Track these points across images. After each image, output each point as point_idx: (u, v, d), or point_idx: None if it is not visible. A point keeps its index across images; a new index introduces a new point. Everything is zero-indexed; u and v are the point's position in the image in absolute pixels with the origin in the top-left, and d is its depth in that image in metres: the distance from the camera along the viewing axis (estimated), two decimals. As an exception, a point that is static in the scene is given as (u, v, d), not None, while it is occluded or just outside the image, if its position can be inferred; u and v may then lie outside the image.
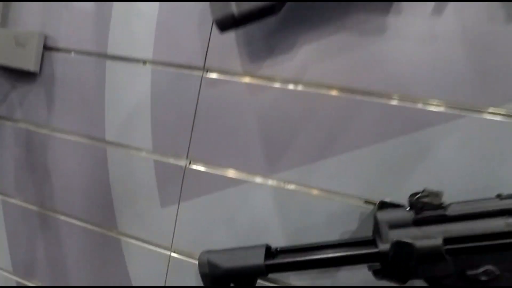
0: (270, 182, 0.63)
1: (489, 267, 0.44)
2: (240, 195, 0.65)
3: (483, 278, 0.44)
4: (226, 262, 0.52)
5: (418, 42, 0.57)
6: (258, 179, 0.64)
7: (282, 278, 0.63)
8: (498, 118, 0.54)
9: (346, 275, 0.60)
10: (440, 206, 0.46)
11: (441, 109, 0.56)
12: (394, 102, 0.58)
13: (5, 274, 0.85)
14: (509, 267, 0.44)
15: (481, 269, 0.44)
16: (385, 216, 0.48)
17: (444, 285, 0.46)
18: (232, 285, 0.54)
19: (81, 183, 0.77)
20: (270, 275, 0.62)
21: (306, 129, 0.62)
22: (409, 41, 0.57)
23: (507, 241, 0.43)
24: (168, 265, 0.70)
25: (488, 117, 0.55)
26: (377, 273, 0.48)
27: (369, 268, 0.49)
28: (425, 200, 0.46)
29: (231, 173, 0.66)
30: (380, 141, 0.58)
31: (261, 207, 0.64)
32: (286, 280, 0.63)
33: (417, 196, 0.47)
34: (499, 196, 0.45)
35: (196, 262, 0.67)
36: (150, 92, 0.71)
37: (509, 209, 0.44)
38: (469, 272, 0.44)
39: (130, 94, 0.73)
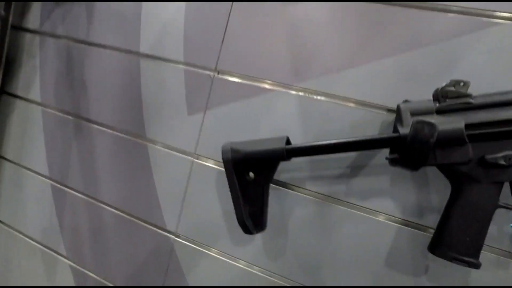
0: (295, 90, 0.65)
1: (509, 152, 0.44)
2: (264, 103, 0.67)
3: (502, 162, 0.44)
4: (249, 148, 0.55)
5: None
6: (283, 88, 0.66)
7: (298, 183, 0.65)
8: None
9: (361, 181, 0.61)
10: (465, 95, 0.46)
11: (469, 18, 0.55)
12: (422, 11, 0.58)
13: (42, 178, 0.92)
14: (527, 154, 0.44)
15: (501, 154, 0.44)
16: (408, 105, 0.49)
17: (460, 172, 0.47)
18: (252, 174, 0.57)
19: (115, 94, 0.82)
20: (287, 181, 0.66)
21: (333, 38, 0.63)
22: None
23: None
24: (190, 170, 0.74)
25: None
26: (394, 162, 0.49)
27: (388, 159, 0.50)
28: (450, 88, 0.47)
29: (256, 81, 0.68)
30: (407, 51, 0.58)
31: (284, 115, 0.66)
32: (302, 184, 0.65)
33: (443, 85, 0.47)
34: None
35: (218, 168, 0.71)
36: (185, 5, 0.74)
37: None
38: (489, 156, 0.45)
39: (165, 6, 0.76)
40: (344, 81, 0.62)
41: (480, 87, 0.51)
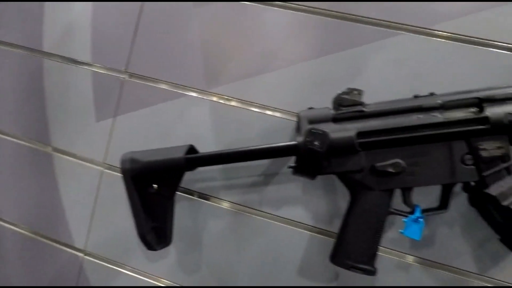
0: (209, 96, 0.63)
1: (397, 160, 0.45)
2: (177, 108, 0.64)
3: (391, 170, 0.45)
4: (148, 157, 0.51)
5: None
6: (196, 93, 0.63)
7: (212, 193, 0.62)
8: (432, 37, 0.56)
9: (274, 189, 0.60)
10: (358, 103, 0.46)
11: (378, 27, 0.57)
12: (333, 19, 0.58)
13: None
14: (415, 161, 0.45)
15: (389, 162, 0.45)
16: (307, 113, 0.48)
17: (355, 180, 0.47)
18: (155, 186, 0.53)
19: (15, 98, 0.73)
20: (200, 191, 0.63)
21: (247, 43, 0.61)
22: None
23: (415, 134, 0.44)
24: (100, 181, 0.68)
25: (422, 36, 0.56)
26: (294, 170, 0.48)
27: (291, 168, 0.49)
28: (345, 96, 0.47)
29: (169, 86, 0.64)
30: (317, 57, 0.59)
31: (198, 122, 0.63)
32: (216, 194, 0.62)
33: (338, 93, 0.47)
34: (416, 96, 0.47)
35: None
36: (92, 3, 0.68)
37: (421, 106, 0.45)
38: (378, 164, 0.45)
39: (69, 3, 0.69)
40: (257, 87, 0.61)
41: (383, 93, 0.53)
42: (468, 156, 0.44)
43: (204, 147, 0.61)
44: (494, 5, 0.54)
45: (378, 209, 0.46)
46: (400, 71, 0.56)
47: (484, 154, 0.43)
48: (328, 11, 0.58)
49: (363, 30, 0.57)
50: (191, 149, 0.53)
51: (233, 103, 0.61)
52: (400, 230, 0.46)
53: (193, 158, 0.51)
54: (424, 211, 0.47)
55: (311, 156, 0.45)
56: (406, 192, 0.47)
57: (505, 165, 0.43)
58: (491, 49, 0.54)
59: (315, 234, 0.59)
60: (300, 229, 0.59)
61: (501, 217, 0.43)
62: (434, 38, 0.55)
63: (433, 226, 0.55)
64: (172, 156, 0.50)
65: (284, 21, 0.60)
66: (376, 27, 0.57)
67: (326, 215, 0.58)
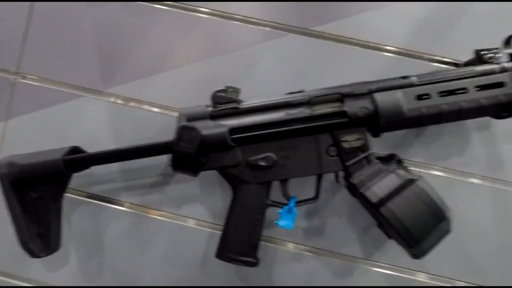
0: (105, 96, 0.61)
1: (269, 154, 0.47)
2: (73, 110, 0.62)
3: (262, 163, 0.47)
4: (26, 160, 0.49)
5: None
6: (93, 94, 0.62)
7: (112, 195, 0.61)
8: (313, 38, 0.59)
9: (173, 188, 0.60)
10: (235, 100, 0.48)
11: (264, 28, 0.59)
12: (223, 20, 0.60)
13: None
14: (286, 155, 0.47)
15: (261, 156, 0.47)
16: (185, 111, 0.49)
17: (232, 175, 0.48)
18: (35, 189, 0.50)
19: None
20: (100, 193, 0.61)
21: (142, 44, 0.61)
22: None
23: (283, 128, 0.46)
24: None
25: (304, 37, 0.59)
26: (172, 167, 0.49)
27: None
28: (221, 94, 0.48)
29: (64, 87, 0.62)
30: (210, 57, 0.60)
31: (94, 123, 0.61)
32: (117, 196, 0.61)
33: (215, 91, 0.48)
34: (289, 93, 0.49)
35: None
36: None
37: (290, 102, 0.47)
38: (251, 158, 0.47)
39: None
40: (154, 87, 0.61)
41: (272, 90, 0.55)
42: (332, 148, 0.47)
43: (103, 149, 0.60)
44: (372, 8, 0.59)
45: (256, 202, 0.48)
46: (287, 69, 0.59)
47: (345, 145, 0.46)
48: (218, 12, 0.60)
49: (252, 31, 0.59)
50: (75, 150, 0.52)
51: (131, 104, 0.61)
52: (275, 221, 0.48)
53: (71, 160, 0.49)
54: (298, 202, 0.49)
55: (183, 152, 0.45)
56: (282, 184, 0.49)
57: (364, 155, 0.46)
58: (367, 49, 0.58)
59: (215, 231, 0.59)
60: (200, 227, 0.60)
61: (364, 203, 0.46)
62: (316, 39, 0.59)
63: (323, 216, 0.58)
64: (49, 158, 0.48)
65: (177, 21, 0.61)
66: (264, 28, 0.59)
67: (224, 211, 0.59)
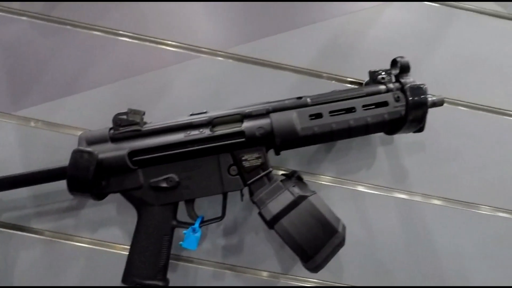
0: (13, 120, 0.59)
1: (171, 175, 0.47)
2: (-20, 133, 0.59)
3: (164, 185, 0.47)
4: None
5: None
6: (1, 116, 0.60)
7: (22, 222, 0.58)
8: (226, 59, 0.61)
9: (89, 212, 0.59)
10: (136, 123, 0.48)
11: (178, 49, 0.61)
12: (136, 41, 0.61)
13: None
14: (188, 175, 0.48)
15: (162, 177, 0.47)
16: (85, 134, 0.48)
17: (136, 198, 0.48)
18: None
19: None
20: (9, 221, 0.58)
21: (52, 65, 0.60)
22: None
23: (184, 150, 0.47)
24: None
25: (218, 58, 0.61)
26: (71, 193, 0.47)
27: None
28: (123, 117, 0.48)
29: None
30: (123, 78, 0.60)
31: (2, 145, 0.59)
32: (27, 223, 0.59)
33: (118, 113, 0.48)
34: (191, 115, 0.50)
35: None
36: None
37: (191, 123, 0.48)
38: (152, 180, 0.47)
39: None
40: (65, 109, 0.60)
41: (187, 111, 0.56)
42: (233, 167, 0.48)
43: (12, 172, 0.57)
44: (282, 31, 0.62)
45: (161, 223, 0.48)
46: (200, 91, 0.60)
47: (245, 164, 0.48)
48: (132, 34, 0.60)
49: (165, 53, 0.60)
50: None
51: (39, 126, 0.59)
52: (180, 243, 0.48)
53: None
54: (204, 221, 0.49)
55: (78, 176, 0.44)
56: (188, 204, 0.49)
57: (264, 173, 0.48)
58: (279, 70, 0.61)
59: (133, 254, 0.58)
60: (117, 251, 0.59)
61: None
62: (229, 60, 0.61)
63: (242, 233, 0.59)
64: None
65: (89, 42, 0.61)
66: (178, 50, 0.61)
67: (142, 234, 0.58)
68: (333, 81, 0.61)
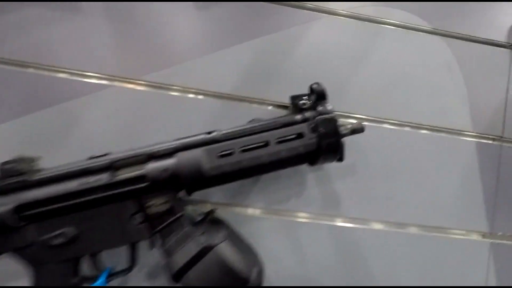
0: None
1: (65, 229, 0.42)
2: None
3: (58, 241, 0.42)
4: None
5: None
6: None
7: None
8: (140, 88, 0.56)
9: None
10: (25, 172, 0.43)
11: (90, 79, 0.56)
12: (40, 72, 0.55)
13: None
14: (86, 227, 0.43)
15: (54, 233, 0.42)
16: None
17: (28, 256, 0.43)
18: None
19: None
20: None
21: None
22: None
23: (77, 200, 0.42)
24: None
25: (131, 86, 0.56)
26: None
27: None
28: (11, 165, 0.43)
29: None
30: (25, 114, 0.54)
31: None
32: None
33: (4, 162, 0.43)
34: (91, 158, 0.45)
35: None
36: None
37: (89, 168, 0.43)
38: (43, 238, 0.42)
39: None
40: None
41: (101, 146, 0.50)
42: (138, 215, 0.44)
43: None
44: (201, 55, 0.58)
45: (60, 283, 0.43)
46: (113, 123, 0.55)
47: (151, 211, 0.43)
48: (37, 65, 0.55)
49: (71, 84, 0.55)
50: None
51: None
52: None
53: None
54: (111, 275, 0.45)
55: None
56: (90, 258, 0.45)
57: (172, 219, 0.44)
58: (197, 96, 0.57)
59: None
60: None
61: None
62: (140, 88, 0.56)
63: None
64: None
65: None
66: (87, 80, 0.55)
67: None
68: (255, 105, 0.57)
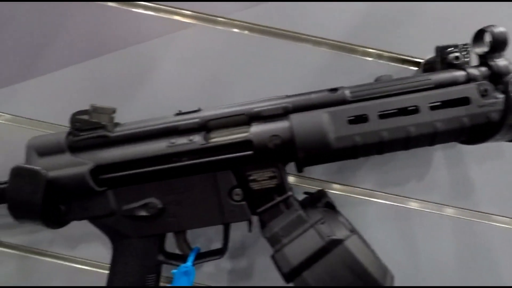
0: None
1: (150, 200, 0.34)
2: None
3: (142, 213, 0.34)
4: None
5: None
6: None
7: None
8: (221, 27, 0.45)
9: (68, 225, 0.48)
10: (103, 126, 0.35)
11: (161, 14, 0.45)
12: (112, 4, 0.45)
13: None
14: (175, 200, 0.35)
15: (139, 203, 0.34)
16: (35, 141, 0.35)
17: (108, 226, 0.36)
18: None
19: None
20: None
21: (5, 46, 0.46)
22: None
23: (167, 166, 0.34)
24: None
25: (220, 28, 0.45)
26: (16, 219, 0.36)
27: None
28: (84, 117, 0.35)
29: None
30: (93, 57, 0.45)
31: None
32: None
33: (78, 111, 0.35)
34: (179, 114, 0.36)
35: None
36: None
37: (177, 127, 0.34)
38: (125, 207, 0.34)
39: None
40: (11, 98, 0.46)
41: (174, 102, 0.41)
42: (237, 190, 0.34)
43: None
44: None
45: (142, 260, 0.36)
46: (193, 73, 0.45)
47: (254, 186, 0.34)
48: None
49: (146, 22, 0.45)
50: None
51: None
52: (167, 286, 0.36)
53: None
54: (200, 256, 0.37)
55: (22, 201, 0.32)
56: (178, 236, 0.37)
57: (280, 198, 0.34)
58: (300, 43, 0.44)
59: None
60: (100, 270, 0.49)
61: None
62: (232, 29, 0.44)
63: (251, 256, 0.47)
64: None
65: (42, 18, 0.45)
66: (162, 15, 0.45)
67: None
68: (374, 58, 0.44)
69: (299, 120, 0.33)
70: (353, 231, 0.32)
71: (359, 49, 0.45)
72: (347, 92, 0.34)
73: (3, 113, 0.47)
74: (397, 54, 0.44)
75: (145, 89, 0.45)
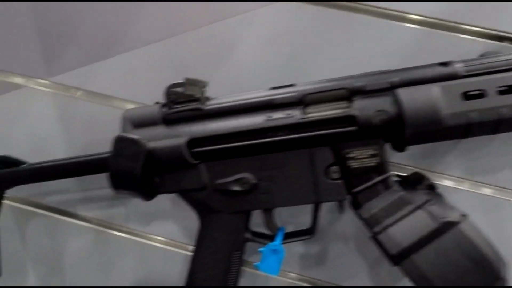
0: (50, 86, 0.49)
1: (244, 175, 0.34)
2: (13, 104, 0.50)
3: (236, 188, 0.34)
4: None
5: None
6: (36, 83, 0.50)
7: (68, 207, 0.51)
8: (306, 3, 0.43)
9: (140, 202, 0.48)
10: (197, 99, 0.34)
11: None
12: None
13: None
14: (269, 176, 0.34)
15: (234, 177, 0.34)
16: (130, 113, 0.36)
17: (198, 201, 0.36)
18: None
19: None
20: (54, 205, 0.51)
21: (86, 25, 0.47)
22: None
23: (264, 140, 0.33)
24: None
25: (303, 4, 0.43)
26: (113, 189, 0.36)
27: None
28: (178, 89, 0.34)
29: (7, 77, 0.50)
30: (173, 35, 0.45)
31: (40, 118, 0.50)
32: (73, 209, 0.51)
33: (170, 85, 0.35)
34: (273, 88, 0.35)
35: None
36: None
37: (273, 101, 0.33)
38: (220, 181, 0.34)
39: None
40: (101, 74, 0.48)
41: (257, 79, 0.41)
42: (334, 168, 0.33)
43: (51, 150, 0.49)
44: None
45: (230, 236, 0.36)
46: (277, 50, 0.43)
47: (353, 164, 0.32)
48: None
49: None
50: (2, 162, 0.41)
51: (78, 93, 0.48)
52: (254, 263, 0.36)
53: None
54: (287, 236, 0.36)
55: (123, 171, 0.33)
56: (266, 213, 0.36)
57: (380, 178, 0.32)
58: (384, 20, 0.42)
59: (189, 253, 0.48)
60: (173, 248, 0.49)
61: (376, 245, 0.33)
62: (317, 6, 0.43)
63: (325, 241, 0.46)
64: None
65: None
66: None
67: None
68: (473, 36, 0.40)
69: (408, 95, 0.31)
70: (466, 215, 0.30)
71: (451, 26, 0.42)
72: (460, 66, 0.31)
73: (78, 88, 0.49)
74: (495, 30, 0.41)
75: (226, 67, 0.44)
